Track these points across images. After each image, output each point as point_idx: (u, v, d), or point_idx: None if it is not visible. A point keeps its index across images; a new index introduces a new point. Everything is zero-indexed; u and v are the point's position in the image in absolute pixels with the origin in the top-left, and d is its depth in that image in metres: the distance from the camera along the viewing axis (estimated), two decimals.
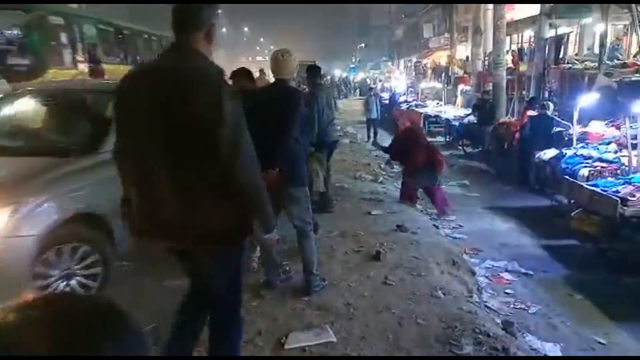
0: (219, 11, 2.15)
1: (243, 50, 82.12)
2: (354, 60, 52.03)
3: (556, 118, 8.35)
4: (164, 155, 1.86)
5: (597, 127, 7.76)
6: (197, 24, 1.92)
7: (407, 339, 2.99)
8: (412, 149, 6.04)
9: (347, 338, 3.00)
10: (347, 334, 3.04)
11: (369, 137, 12.02)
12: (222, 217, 1.90)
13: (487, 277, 4.61)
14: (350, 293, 3.58)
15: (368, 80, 25.38)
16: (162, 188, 1.87)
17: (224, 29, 73.97)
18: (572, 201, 5.57)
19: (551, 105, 8.38)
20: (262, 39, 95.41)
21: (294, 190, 3.40)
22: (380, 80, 28.16)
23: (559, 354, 3.31)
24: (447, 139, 12.60)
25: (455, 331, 3.03)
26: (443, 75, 20.32)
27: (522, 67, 13.18)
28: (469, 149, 11.25)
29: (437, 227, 5.77)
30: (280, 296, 3.58)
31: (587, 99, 7.36)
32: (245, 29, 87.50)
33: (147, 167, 1.91)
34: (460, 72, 19.19)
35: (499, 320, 3.57)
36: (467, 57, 20.18)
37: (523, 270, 4.72)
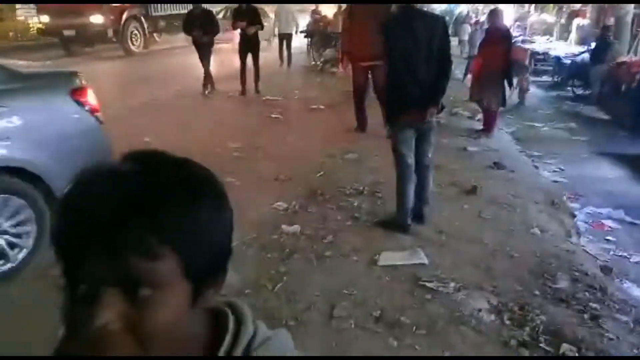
0: None
1: None
2: None
3: None
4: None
5: None
6: None
7: (500, 270, 3.02)
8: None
9: (438, 263, 3.10)
10: (439, 259, 3.13)
11: (465, 75, 11.30)
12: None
13: (587, 222, 4.41)
14: (444, 222, 3.64)
15: (470, 12, 23.40)
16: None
17: None
18: None
19: None
20: None
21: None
22: (484, 13, 25.91)
23: None
24: (555, 79, 11.57)
25: (550, 266, 3.01)
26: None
27: None
28: (579, 91, 10.30)
29: (536, 167, 5.54)
30: (373, 219, 3.74)
31: None
32: None
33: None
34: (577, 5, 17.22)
35: (597, 264, 3.46)
36: None
37: (629, 219, 4.43)
